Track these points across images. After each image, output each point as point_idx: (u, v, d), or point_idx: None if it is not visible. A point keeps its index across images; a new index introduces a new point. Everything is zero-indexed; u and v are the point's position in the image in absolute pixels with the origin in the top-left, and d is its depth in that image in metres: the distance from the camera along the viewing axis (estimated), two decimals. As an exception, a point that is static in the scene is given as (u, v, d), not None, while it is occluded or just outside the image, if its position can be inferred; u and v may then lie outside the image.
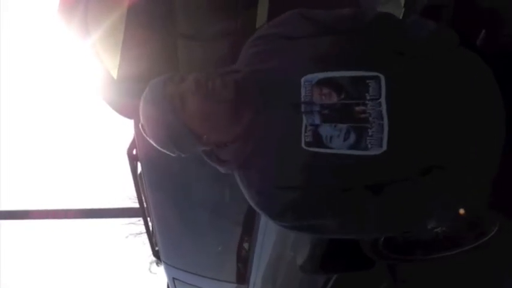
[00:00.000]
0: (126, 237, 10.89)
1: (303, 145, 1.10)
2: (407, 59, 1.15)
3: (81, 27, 1.85)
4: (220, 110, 1.11)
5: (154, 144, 1.19)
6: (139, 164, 2.53)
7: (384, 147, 1.07)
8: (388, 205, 1.15)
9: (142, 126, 1.20)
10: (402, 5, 1.66)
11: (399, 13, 1.73)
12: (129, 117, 2.17)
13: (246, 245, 3.14)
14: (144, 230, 3.22)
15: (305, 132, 1.10)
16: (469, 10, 1.71)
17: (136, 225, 10.24)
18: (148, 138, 1.18)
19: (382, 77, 1.07)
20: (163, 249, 3.17)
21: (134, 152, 2.46)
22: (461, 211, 1.18)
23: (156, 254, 3.23)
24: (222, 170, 1.24)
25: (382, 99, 1.07)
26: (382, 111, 1.07)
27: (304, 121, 1.10)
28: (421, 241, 2.57)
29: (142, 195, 2.98)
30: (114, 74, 2.05)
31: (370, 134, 1.07)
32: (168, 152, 1.19)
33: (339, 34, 1.17)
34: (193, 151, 1.21)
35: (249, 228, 3.01)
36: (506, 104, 1.18)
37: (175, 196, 2.71)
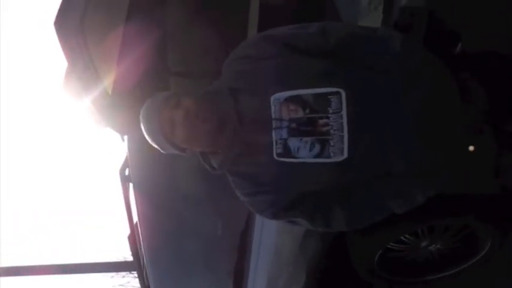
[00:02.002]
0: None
1: (275, 156, 1.26)
2: (367, 75, 1.27)
3: (78, 43, 1.94)
4: (204, 135, 1.28)
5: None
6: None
7: (345, 155, 1.22)
8: (352, 206, 1.34)
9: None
10: (381, 12, 1.78)
11: (379, 22, 1.84)
12: (123, 133, 2.21)
13: (239, 280, 3.07)
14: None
15: (276, 145, 1.26)
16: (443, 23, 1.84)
17: (126, 287, 9.85)
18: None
19: (343, 92, 1.21)
20: (154, 284, 3.08)
21: (127, 172, 2.47)
22: (471, 148, 1.27)
23: (146, 289, 3.13)
24: (214, 173, 1.40)
25: (343, 112, 1.21)
26: (343, 123, 1.21)
27: (274, 136, 1.25)
28: (416, 261, 2.53)
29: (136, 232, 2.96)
30: (109, 90, 2.12)
31: (332, 144, 1.22)
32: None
33: (303, 54, 1.30)
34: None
35: (242, 260, 2.97)
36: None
37: (168, 222, 2.68)
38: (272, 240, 2.68)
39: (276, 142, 1.25)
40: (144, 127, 1.31)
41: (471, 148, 1.28)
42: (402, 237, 2.38)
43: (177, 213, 2.66)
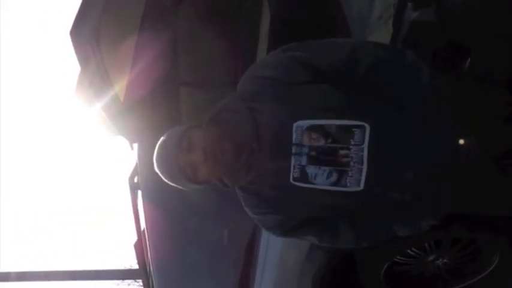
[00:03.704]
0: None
1: (291, 180, 1.26)
2: (390, 111, 1.26)
3: (93, 51, 1.98)
4: (226, 165, 1.28)
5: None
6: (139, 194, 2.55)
7: (361, 187, 1.23)
8: (360, 227, 1.35)
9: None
10: (391, 26, 1.80)
11: (388, 36, 1.86)
12: (133, 140, 2.24)
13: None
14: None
15: (293, 169, 1.25)
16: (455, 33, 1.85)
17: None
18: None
19: (367, 127, 1.21)
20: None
21: (135, 180, 2.49)
22: (461, 141, 1.25)
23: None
24: (224, 189, 1.40)
25: (365, 146, 1.21)
26: (364, 156, 1.21)
27: (293, 161, 1.25)
28: (423, 275, 2.51)
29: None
30: (121, 98, 2.14)
31: (350, 175, 1.22)
32: None
33: (330, 83, 1.28)
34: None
35: (248, 270, 2.97)
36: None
37: (176, 231, 2.69)
38: (278, 251, 2.67)
39: (293, 167, 1.25)
40: (164, 174, 1.30)
41: (461, 141, 1.27)
42: (409, 251, 2.37)
43: (185, 222, 2.67)
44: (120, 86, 2.11)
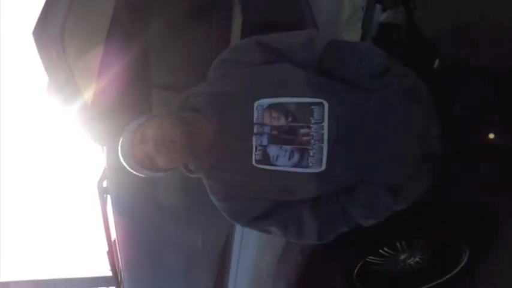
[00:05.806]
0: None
1: (253, 162, 1.27)
2: (349, 90, 1.29)
3: (58, 54, 1.93)
4: (180, 153, 1.29)
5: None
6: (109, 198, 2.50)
7: (323, 167, 1.24)
8: (322, 215, 1.32)
9: None
10: (360, 27, 1.82)
11: (358, 38, 1.88)
12: (103, 144, 2.19)
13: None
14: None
15: (255, 151, 1.27)
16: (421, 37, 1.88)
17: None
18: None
19: (326, 104, 1.23)
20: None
21: (105, 184, 2.44)
22: (491, 135, 1.27)
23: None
24: (190, 175, 1.40)
25: (325, 123, 1.22)
26: (324, 134, 1.22)
27: (254, 142, 1.26)
28: (396, 275, 2.54)
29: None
30: (89, 102, 2.10)
31: (311, 154, 1.24)
32: None
33: (290, 63, 1.33)
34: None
35: (223, 275, 2.95)
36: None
37: (147, 237, 2.65)
38: (252, 253, 2.67)
39: (255, 148, 1.26)
40: (127, 166, 1.33)
41: (491, 136, 1.30)
42: (381, 251, 2.39)
43: (157, 226, 2.63)
44: (88, 91, 2.07)
